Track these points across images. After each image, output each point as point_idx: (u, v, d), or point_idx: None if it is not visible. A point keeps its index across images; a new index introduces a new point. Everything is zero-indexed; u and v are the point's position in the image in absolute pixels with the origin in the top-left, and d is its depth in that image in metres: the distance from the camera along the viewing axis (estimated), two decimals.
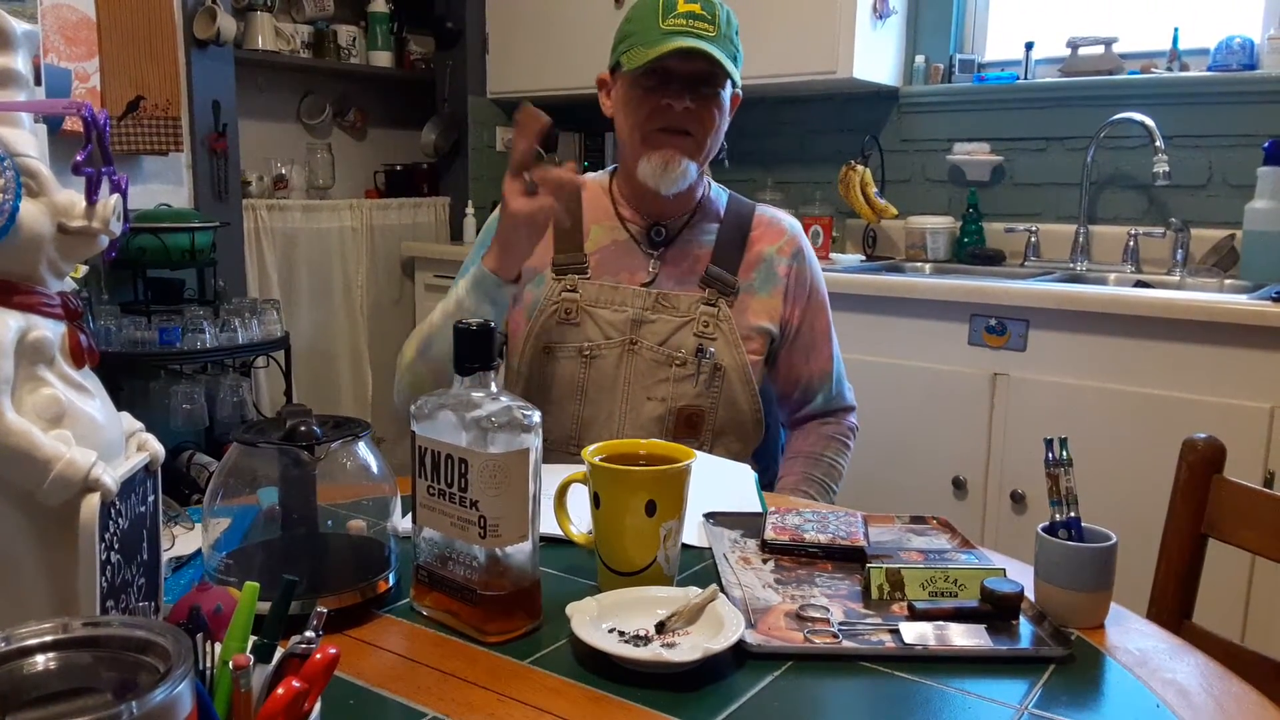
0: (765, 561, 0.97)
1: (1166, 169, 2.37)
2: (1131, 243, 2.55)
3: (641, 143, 1.36)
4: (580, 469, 0.91)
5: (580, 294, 1.40)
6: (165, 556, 0.79)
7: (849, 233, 3.08)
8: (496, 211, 1.50)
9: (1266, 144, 2.29)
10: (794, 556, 0.98)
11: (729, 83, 1.34)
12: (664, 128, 1.33)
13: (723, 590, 0.84)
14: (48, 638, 0.48)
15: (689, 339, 1.38)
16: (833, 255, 2.90)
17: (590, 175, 1.51)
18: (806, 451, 1.48)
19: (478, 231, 2.05)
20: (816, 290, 1.49)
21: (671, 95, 1.31)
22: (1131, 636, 0.83)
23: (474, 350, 0.83)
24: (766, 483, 1.42)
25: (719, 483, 1.20)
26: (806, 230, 2.86)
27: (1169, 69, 2.55)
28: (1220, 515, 1.09)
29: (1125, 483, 1.96)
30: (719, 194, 1.50)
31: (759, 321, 1.42)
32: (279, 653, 0.57)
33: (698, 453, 0.92)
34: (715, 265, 1.42)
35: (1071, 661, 0.78)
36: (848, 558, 0.97)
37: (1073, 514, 0.88)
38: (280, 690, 0.51)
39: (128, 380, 2.49)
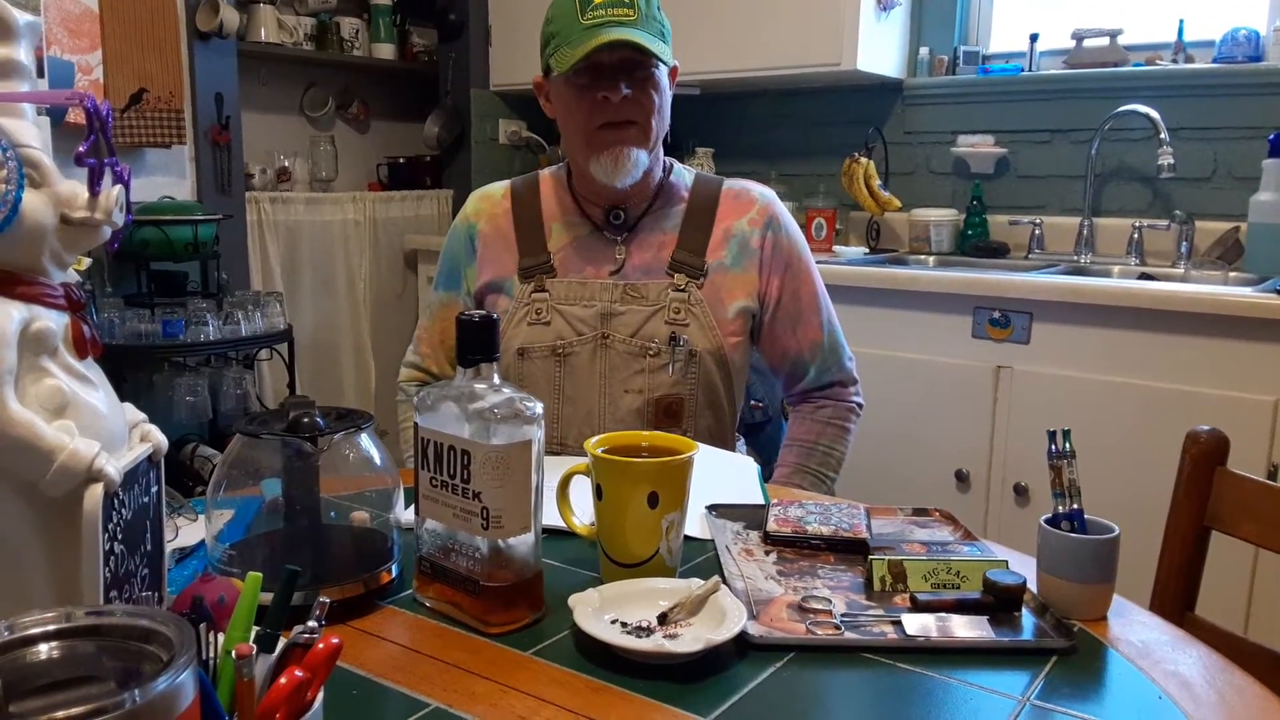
0: (767, 553, 0.97)
1: (1171, 161, 2.36)
2: (1136, 235, 2.54)
3: (587, 144, 1.34)
4: (583, 461, 0.91)
5: (550, 293, 1.38)
6: (168, 547, 0.79)
7: (853, 225, 3.08)
8: (464, 215, 1.48)
9: (1272, 136, 2.28)
10: (796, 548, 0.98)
11: (662, 62, 1.33)
12: (606, 124, 1.32)
13: (725, 582, 0.84)
14: (51, 627, 0.48)
15: (661, 328, 1.36)
16: (836, 248, 2.90)
17: (547, 170, 1.50)
18: (802, 439, 1.45)
19: None
20: (797, 258, 1.44)
21: (607, 88, 1.30)
22: (1134, 628, 0.83)
23: (476, 342, 0.83)
24: (768, 474, 1.41)
25: (721, 475, 1.20)
26: (810, 223, 2.91)
27: (1174, 61, 2.54)
28: (1223, 508, 1.09)
29: (1128, 475, 1.96)
30: (682, 174, 1.46)
31: (735, 301, 1.39)
32: (282, 643, 0.58)
33: (700, 445, 0.92)
34: (681, 249, 1.39)
35: (1074, 653, 0.78)
36: (850, 550, 0.97)
37: (1075, 506, 0.88)
38: (283, 680, 0.51)
39: (131, 373, 2.49)
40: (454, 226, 1.50)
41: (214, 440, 2.62)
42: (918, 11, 2.91)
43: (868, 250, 2.92)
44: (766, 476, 1.30)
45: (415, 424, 0.85)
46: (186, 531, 1.01)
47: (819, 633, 0.80)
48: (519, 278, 1.41)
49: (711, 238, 1.40)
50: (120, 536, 0.65)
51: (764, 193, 1.46)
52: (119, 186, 0.66)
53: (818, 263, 1.50)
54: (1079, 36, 2.65)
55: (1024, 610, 0.84)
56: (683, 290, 1.37)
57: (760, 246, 1.41)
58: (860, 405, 1.50)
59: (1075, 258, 2.62)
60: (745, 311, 1.40)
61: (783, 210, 1.46)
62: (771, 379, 1.52)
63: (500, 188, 1.49)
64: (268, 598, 0.59)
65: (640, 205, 1.42)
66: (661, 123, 1.37)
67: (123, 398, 0.70)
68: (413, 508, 0.87)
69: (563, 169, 1.48)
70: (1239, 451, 1.13)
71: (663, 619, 0.79)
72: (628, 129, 1.33)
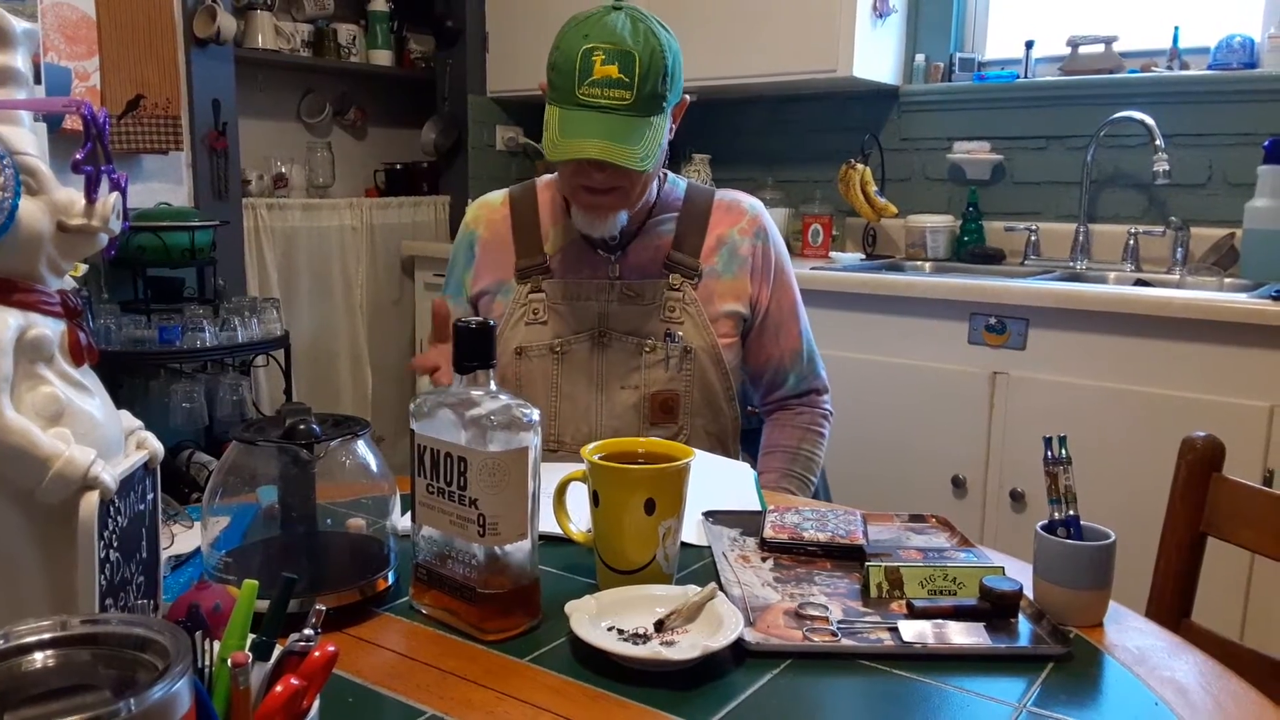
0: (764, 560, 0.97)
1: (1166, 168, 2.37)
2: (1131, 241, 2.55)
3: (570, 195, 1.35)
4: (579, 467, 0.91)
5: (546, 293, 1.41)
6: (164, 555, 0.79)
7: (849, 231, 3.08)
8: (465, 223, 1.51)
9: (1267, 143, 2.29)
10: (793, 555, 0.98)
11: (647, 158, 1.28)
12: (588, 186, 1.31)
13: (721, 588, 0.84)
14: (46, 635, 0.48)
15: (656, 325, 1.39)
16: (832, 254, 2.90)
17: (543, 177, 1.50)
18: (784, 445, 1.48)
19: None
20: (782, 269, 1.48)
21: (585, 174, 1.29)
22: (1130, 635, 0.83)
23: (473, 349, 0.83)
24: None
25: (718, 481, 1.20)
26: (806, 229, 2.92)
27: (1169, 68, 2.54)
28: (1219, 514, 1.09)
29: (1124, 481, 1.96)
30: (675, 183, 1.48)
31: (726, 305, 1.42)
32: (278, 650, 0.57)
33: (697, 451, 0.92)
34: (676, 250, 1.42)
35: (1070, 660, 0.78)
36: (847, 556, 0.98)
37: (1072, 512, 0.88)
38: (279, 688, 0.51)
39: (127, 379, 2.49)
40: (457, 237, 1.53)
41: (210, 447, 2.61)
42: (914, 18, 2.92)
43: (864, 256, 2.92)
44: None
45: (411, 431, 0.85)
46: (182, 539, 1.01)
47: (816, 639, 0.80)
48: (516, 279, 1.43)
49: (705, 243, 1.43)
50: (116, 544, 0.65)
51: (754, 204, 1.49)
52: (116, 193, 0.66)
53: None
54: (1074, 43, 2.66)
55: (1020, 617, 0.84)
56: (678, 290, 1.40)
57: (751, 254, 1.44)
58: (831, 412, 1.54)
59: (1071, 264, 2.63)
60: (736, 315, 1.43)
61: (770, 222, 1.50)
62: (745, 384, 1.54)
63: (499, 195, 1.51)
64: (264, 605, 0.59)
65: (633, 227, 1.42)
66: (651, 180, 1.37)
67: (118, 404, 0.70)
68: (409, 514, 0.87)
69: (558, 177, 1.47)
70: (1234, 457, 1.13)
71: (659, 626, 0.79)
72: (610, 194, 1.32)
